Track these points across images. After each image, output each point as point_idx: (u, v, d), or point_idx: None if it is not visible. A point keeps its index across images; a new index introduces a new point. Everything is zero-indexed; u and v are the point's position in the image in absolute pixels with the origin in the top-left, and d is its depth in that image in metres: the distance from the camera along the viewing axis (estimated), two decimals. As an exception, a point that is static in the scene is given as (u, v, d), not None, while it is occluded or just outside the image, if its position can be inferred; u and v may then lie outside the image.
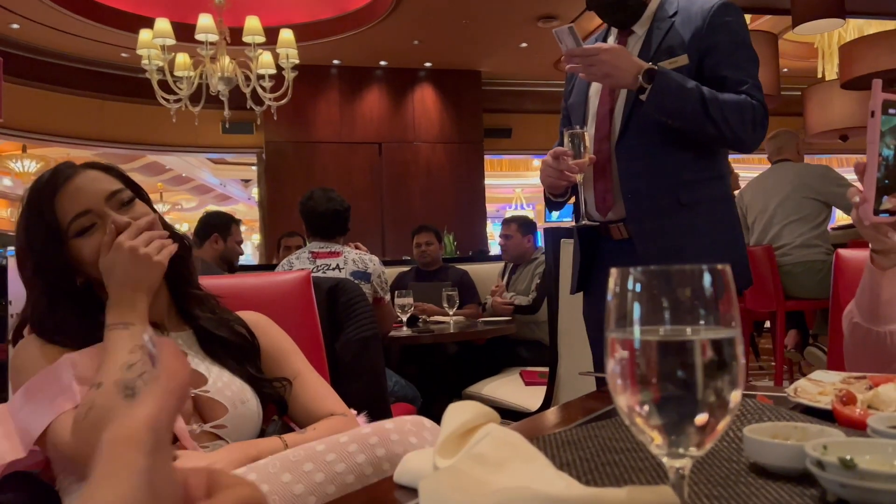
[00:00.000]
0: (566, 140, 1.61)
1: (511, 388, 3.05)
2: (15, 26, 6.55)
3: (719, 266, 0.42)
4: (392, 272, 4.00)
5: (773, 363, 4.32)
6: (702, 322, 0.41)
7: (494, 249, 9.31)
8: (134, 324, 0.98)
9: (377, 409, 1.36)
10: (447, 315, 3.50)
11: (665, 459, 0.42)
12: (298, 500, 0.79)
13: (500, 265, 4.20)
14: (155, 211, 1.13)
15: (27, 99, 7.11)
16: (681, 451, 0.41)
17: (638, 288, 0.42)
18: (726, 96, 1.55)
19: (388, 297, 2.89)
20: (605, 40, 1.77)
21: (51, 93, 7.51)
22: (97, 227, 1.04)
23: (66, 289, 1.06)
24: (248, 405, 1.08)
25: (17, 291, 5.82)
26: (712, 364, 0.40)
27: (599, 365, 1.73)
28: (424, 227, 4.17)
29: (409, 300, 3.18)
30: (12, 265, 5.87)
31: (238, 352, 1.14)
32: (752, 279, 1.73)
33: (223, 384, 1.08)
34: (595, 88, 1.73)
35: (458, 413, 0.58)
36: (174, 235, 1.11)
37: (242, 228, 3.96)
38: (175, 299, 1.15)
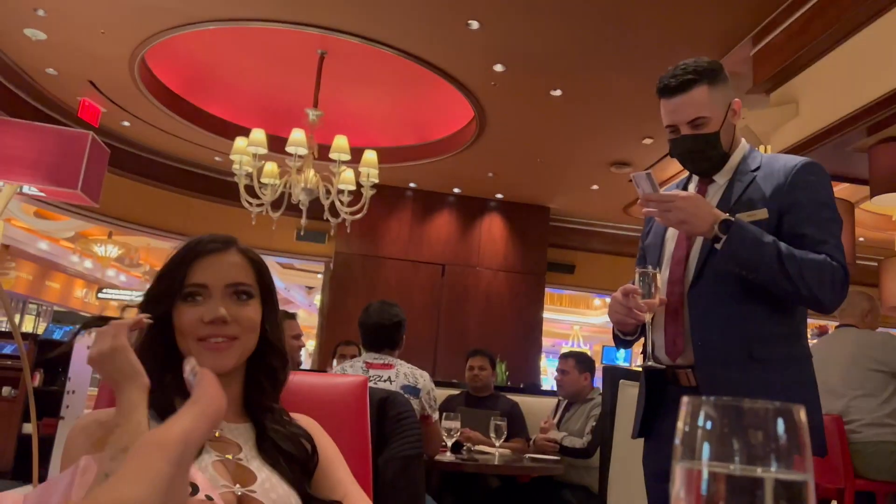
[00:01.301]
0: (637, 279, 1.61)
1: (552, 532, 2.89)
2: (126, 123, 7.16)
3: (793, 407, 0.41)
4: (442, 394, 3.94)
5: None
6: (773, 461, 0.40)
7: (546, 384, 9.12)
8: (119, 424, 0.95)
9: (414, 532, 1.31)
10: (493, 446, 3.40)
11: None
12: None
13: (552, 400, 4.10)
14: (274, 315, 1.16)
15: (121, 188, 7.63)
16: None
17: (709, 424, 0.42)
18: (805, 254, 1.53)
19: (435, 415, 2.85)
20: (685, 187, 1.80)
21: (143, 185, 8.06)
22: (202, 301, 1.09)
23: (159, 340, 1.10)
24: None
25: (77, 369, 5.96)
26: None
27: None
28: (479, 351, 4.14)
29: (457, 424, 3.12)
30: (79, 343, 6.05)
31: (297, 465, 1.13)
32: (826, 448, 1.64)
33: (270, 486, 1.06)
34: (672, 232, 1.74)
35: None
36: (274, 349, 1.16)
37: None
38: (246, 398, 1.17)
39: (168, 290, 1.11)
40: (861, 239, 7.51)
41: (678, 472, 0.42)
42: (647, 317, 1.61)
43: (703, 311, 1.62)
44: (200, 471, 1.00)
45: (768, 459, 0.40)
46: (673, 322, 1.66)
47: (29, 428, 4.37)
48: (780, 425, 0.41)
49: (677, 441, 0.43)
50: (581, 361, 3.84)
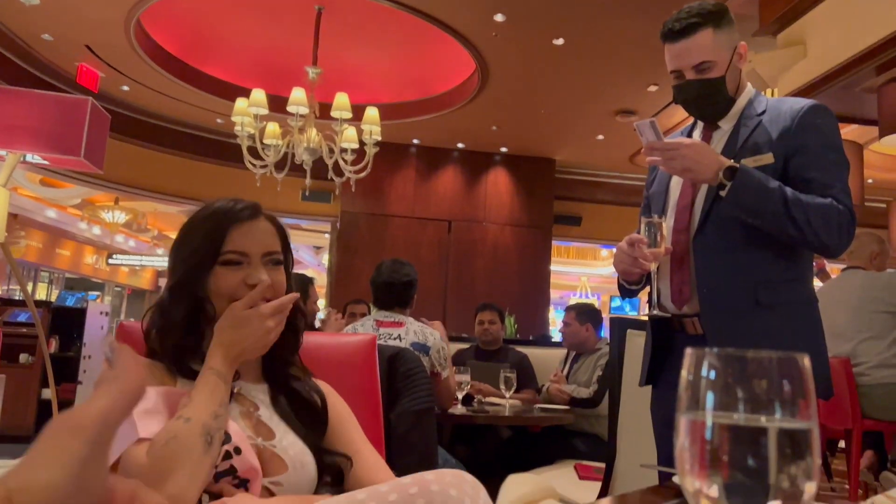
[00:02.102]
0: (643, 228, 1.60)
1: (564, 480, 2.94)
2: (125, 88, 7.10)
3: (797, 356, 0.41)
4: (451, 348, 3.98)
5: (846, 486, 4.04)
6: (777, 410, 0.40)
7: (556, 336, 9.19)
8: (230, 381, 1.05)
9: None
10: (503, 397, 3.45)
11: (731, 550, 0.41)
12: None
13: (561, 352, 4.14)
14: (291, 278, 1.20)
15: (125, 154, 7.62)
16: (747, 542, 0.40)
17: (713, 374, 0.42)
18: (811, 199, 1.52)
19: (445, 372, 2.87)
20: (690, 134, 1.78)
21: (147, 150, 8.03)
22: (242, 267, 1.13)
23: (189, 301, 1.13)
24: (307, 469, 1.10)
25: (92, 334, 6.04)
26: (786, 453, 0.39)
27: (665, 462, 1.66)
28: (488, 306, 4.17)
29: (467, 378, 3.15)
30: (92, 309, 6.12)
31: (310, 421, 1.17)
32: (832, 391, 1.65)
33: (288, 443, 1.10)
34: (676, 180, 1.72)
35: (517, 486, 0.57)
36: (299, 312, 1.20)
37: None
38: (266, 360, 1.19)
39: (206, 255, 1.12)
40: (870, 181, 7.44)
41: (682, 422, 0.42)
42: (653, 266, 1.61)
43: (709, 258, 1.61)
44: (232, 420, 1.04)
45: (772, 408, 0.40)
46: (678, 270, 1.66)
47: (48, 393, 4.46)
48: (784, 374, 0.41)
49: (681, 392, 0.43)
50: (581, 313, 3.85)
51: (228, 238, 1.12)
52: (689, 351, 0.44)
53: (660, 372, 1.75)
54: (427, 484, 0.86)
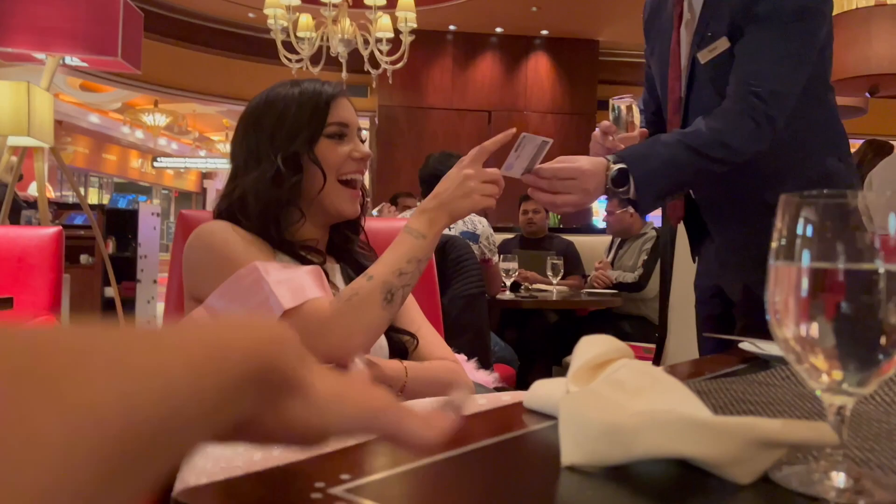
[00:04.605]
0: (609, 113, 1.43)
1: (612, 361, 3.00)
2: (155, -15, 6.95)
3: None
4: (496, 238, 3.99)
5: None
6: (877, 255, 0.38)
7: (601, 225, 9.14)
8: (426, 237, 1.05)
9: (481, 362, 1.39)
10: (550, 284, 3.48)
11: (825, 396, 0.41)
12: None
13: (606, 239, 4.13)
14: None
15: (162, 55, 7.55)
16: (845, 386, 0.39)
17: (810, 229, 0.40)
18: (716, 122, 1.23)
19: (495, 258, 2.91)
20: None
21: (183, 50, 7.95)
22: (345, 140, 1.14)
23: (283, 175, 1.10)
24: (380, 342, 1.14)
25: (145, 235, 6.18)
26: (889, 296, 0.37)
27: (701, 343, 1.63)
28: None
29: (514, 265, 3.17)
30: (144, 210, 6.27)
31: None
32: None
33: None
34: (661, 78, 1.49)
35: (592, 345, 0.57)
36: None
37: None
38: (336, 241, 1.22)
39: (312, 129, 1.12)
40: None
41: (777, 270, 0.40)
42: None
43: None
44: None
45: (874, 256, 0.38)
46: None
47: (110, 292, 4.67)
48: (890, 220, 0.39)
49: (776, 241, 0.41)
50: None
51: (332, 107, 1.14)
52: (783, 199, 0.42)
53: (699, 245, 1.57)
54: None
